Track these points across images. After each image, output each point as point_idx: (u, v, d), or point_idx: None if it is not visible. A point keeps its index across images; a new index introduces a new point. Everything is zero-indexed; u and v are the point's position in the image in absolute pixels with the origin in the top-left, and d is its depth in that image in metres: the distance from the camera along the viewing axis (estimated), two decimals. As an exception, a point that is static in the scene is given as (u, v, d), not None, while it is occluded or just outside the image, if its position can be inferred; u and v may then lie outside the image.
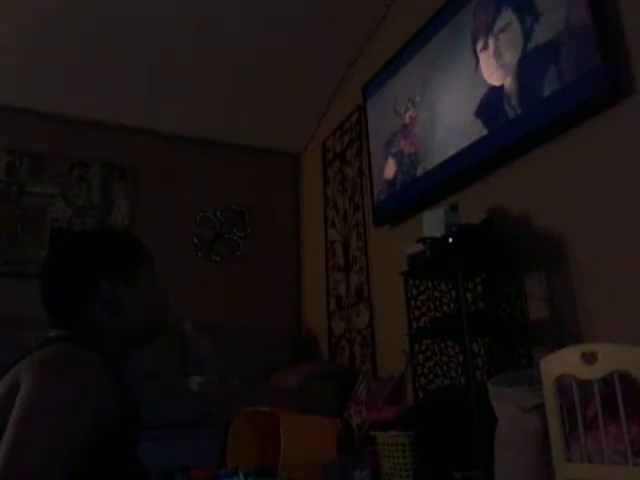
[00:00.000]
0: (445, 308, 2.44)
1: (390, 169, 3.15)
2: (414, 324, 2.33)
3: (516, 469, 1.58)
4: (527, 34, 2.26)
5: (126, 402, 0.96)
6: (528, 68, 2.25)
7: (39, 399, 0.86)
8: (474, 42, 2.56)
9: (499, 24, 2.41)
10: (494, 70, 2.43)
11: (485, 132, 2.44)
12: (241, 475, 2.21)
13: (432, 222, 2.31)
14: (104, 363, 0.96)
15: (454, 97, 2.69)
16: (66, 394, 0.87)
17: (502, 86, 2.38)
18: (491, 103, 2.43)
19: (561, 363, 1.44)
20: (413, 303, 2.37)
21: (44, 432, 0.83)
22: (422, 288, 2.43)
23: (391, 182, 3.13)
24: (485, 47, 2.49)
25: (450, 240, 2.15)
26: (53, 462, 0.81)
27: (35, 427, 0.83)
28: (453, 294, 2.41)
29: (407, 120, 3.04)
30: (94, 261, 1.07)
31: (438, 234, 2.23)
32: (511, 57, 2.34)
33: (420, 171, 2.88)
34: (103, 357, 0.97)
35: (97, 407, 0.89)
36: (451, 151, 2.64)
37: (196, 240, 4.07)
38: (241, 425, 2.66)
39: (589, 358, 1.36)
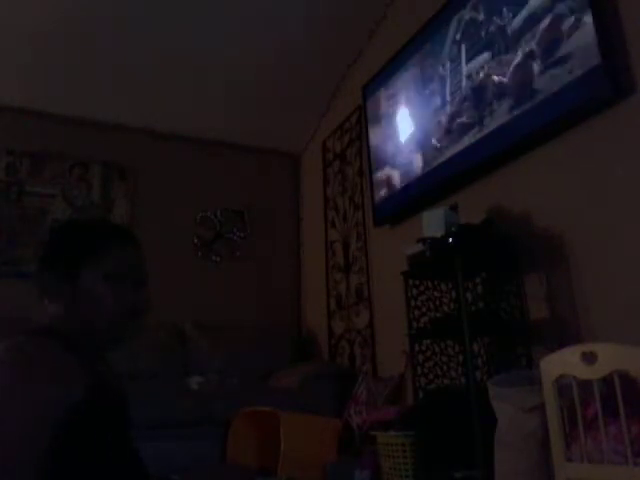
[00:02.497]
0: (445, 308, 2.44)
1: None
2: (414, 324, 2.33)
3: (516, 469, 1.58)
4: (527, 31, 2.26)
5: (94, 394, 0.95)
6: (527, 67, 2.25)
7: None
8: (473, 37, 2.56)
9: (497, 20, 2.41)
10: (493, 67, 2.43)
11: (485, 132, 2.44)
12: (241, 475, 2.21)
13: (432, 222, 2.30)
14: (64, 356, 0.95)
15: (454, 96, 2.69)
16: (16, 390, 0.87)
17: (503, 84, 2.38)
18: (492, 101, 2.43)
19: (561, 363, 1.44)
20: (413, 303, 2.37)
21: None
22: (422, 288, 2.43)
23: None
24: (483, 42, 2.49)
25: (450, 240, 2.15)
26: (10, 461, 0.81)
27: None
28: (453, 294, 2.41)
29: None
30: (71, 251, 1.08)
31: (438, 234, 2.23)
32: (511, 54, 2.34)
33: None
34: (70, 349, 0.97)
35: (49, 399, 0.89)
36: (451, 151, 2.64)
37: (196, 240, 4.07)
38: (241, 425, 2.66)
39: (589, 358, 1.36)
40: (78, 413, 0.90)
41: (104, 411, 0.98)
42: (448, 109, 2.72)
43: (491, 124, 2.41)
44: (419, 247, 2.30)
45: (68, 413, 0.89)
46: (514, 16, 2.33)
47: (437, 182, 2.72)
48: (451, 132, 2.67)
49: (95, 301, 1.04)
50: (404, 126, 3.07)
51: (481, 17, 2.53)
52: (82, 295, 1.04)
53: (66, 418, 0.89)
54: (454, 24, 2.70)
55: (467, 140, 2.54)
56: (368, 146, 3.38)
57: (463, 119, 2.59)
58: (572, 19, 2.05)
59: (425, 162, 2.84)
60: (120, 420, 1.04)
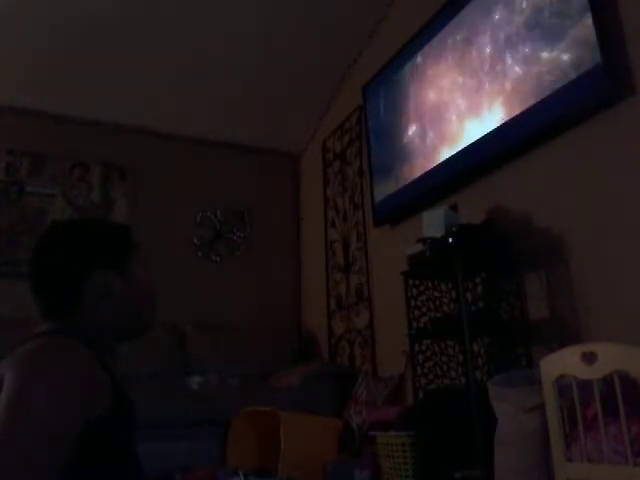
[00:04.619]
0: (445, 308, 2.44)
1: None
2: (414, 324, 2.33)
3: (516, 469, 1.58)
4: (528, 31, 2.26)
5: (115, 395, 0.95)
6: (529, 67, 2.25)
7: (21, 396, 0.84)
8: (473, 40, 2.56)
9: (498, 19, 2.41)
10: (493, 68, 2.43)
11: (485, 132, 2.44)
12: (241, 475, 2.21)
13: (432, 222, 2.30)
14: (90, 355, 0.95)
15: (453, 96, 2.69)
16: (48, 390, 0.85)
17: (502, 85, 2.38)
18: (491, 102, 2.43)
19: (561, 363, 1.44)
20: (413, 303, 2.37)
21: (27, 430, 0.81)
22: (422, 288, 2.43)
23: (391, 182, 3.13)
24: (484, 44, 2.49)
25: (450, 240, 2.15)
26: (38, 461, 0.80)
27: (18, 425, 0.82)
28: (453, 294, 2.41)
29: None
30: (86, 247, 1.07)
31: (438, 234, 2.23)
32: (511, 54, 2.34)
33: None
34: (90, 349, 0.96)
35: (82, 401, 0.88)
36: (451, 150, 2.64)
37: (196, 240, 4.07)
38: (241, 425, 2.66)
39: (589, 358, 1.36)
40: (107, 415, 0.90)
41: (124, 413, 0.99)
42: (449, 107, 2.72)
43: (491, 124, 2.41)
44: (419, 247, 2.30)
45: (99, 415, 0.89)
46: (515, 15, 2.33)
47: (437, 182, 2.72)
48: (452, 131, 2.67)
49: (145, 286, 1.11)
50: (404, 125, 3.06)
51: (482, 16, 2.53)
52: (131, 283, 1.08)
53: (96, 420, 0.88)
54: (456, 23, 2.70)
55: (467, 139, 2.54)
56: (368, 146, 3.38)
57: (464, 118, 2.59)
58: (572, 19, 2.06)
59: (425, 162, 2.84)
60: (132, 422, 1.04)
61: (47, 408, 0.84)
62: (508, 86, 2.35)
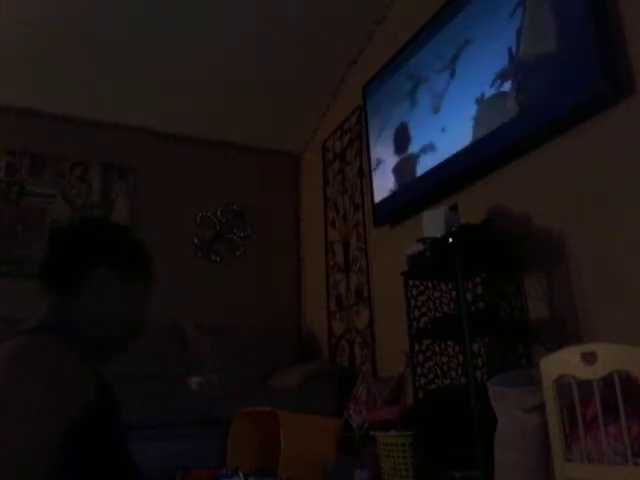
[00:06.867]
0: (445, 308, 2.44)
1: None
2: (414, 324, 2.33)
3: (516, 469, 1.58)
4: (528, 30, 2.26)
5: (99, 394, 0.95)
6: (528, 67, 2.25)
7: (3, 396, 0.85)
8: (472, 38, 2.56)
9: (498, 18, 2.41)
10: (493, 67, 2.43)
11: (485, 132, 2.44)
12: (241, 475, 2.21)
13: (432, 222, 2.31)
14: (72, 353, 0.95)
15: (453, 97, 2.69)
16: (31, 390, 0.86)
17: (503, 85, 2.38)
18: (492, 103, 2.43)
19: (561, 363, 1.44)
20: (413, 303, 2.37)
21: (11, 432, 0.82)
22: (422, 288, 2.43)
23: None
24: (484, 43, 2.49)
25: (450, 240, 2.15)
26: (28, 459, 0.81)
27: (4, 425, 0.82)
28: (453, 294, 2.41)
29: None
30: (97, 244, 1.08)
31: (438, 234, 2.23)
32: (510, 53, 2.34)
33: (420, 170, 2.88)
34: (74, 349, 0.96)
35: (65, 398, 0.88)
36: (451, 151, 2.64)
37: (196, 240, 4.07)
38: (241, 425, 2.66)
39: (589, 358, 1.36)
40: (90, 413, 0.90)
41: (107, 410, 0.98)
42: (449, 107, 2.72)
43: (491, 123, 2.41)
44: (419, 247, 2.30)
45: (81, 413, 0.89)
46: (514, 13, 2.33)
47: (437, 182, 2.72)
48: (452, 130, 2.67)
49: (140, 304, 1.13)
50: (404, 124, 3.06)
51: (483, 14, 2.53)
52: (130, 295, 1.09)
53: (79, 418, 0.88)
54: (456, 22, 2.70)
55: (468, 139, 2.54)
56: (368, 146, 3.38)
57: (464, 117, 2.59)
58: (572, 18, 2.06)
59: (425, 162, 2.84)
60: (116, 419, 1.04)
61: (34, 406, 0.84)
62: (507, 86, 2.35)
